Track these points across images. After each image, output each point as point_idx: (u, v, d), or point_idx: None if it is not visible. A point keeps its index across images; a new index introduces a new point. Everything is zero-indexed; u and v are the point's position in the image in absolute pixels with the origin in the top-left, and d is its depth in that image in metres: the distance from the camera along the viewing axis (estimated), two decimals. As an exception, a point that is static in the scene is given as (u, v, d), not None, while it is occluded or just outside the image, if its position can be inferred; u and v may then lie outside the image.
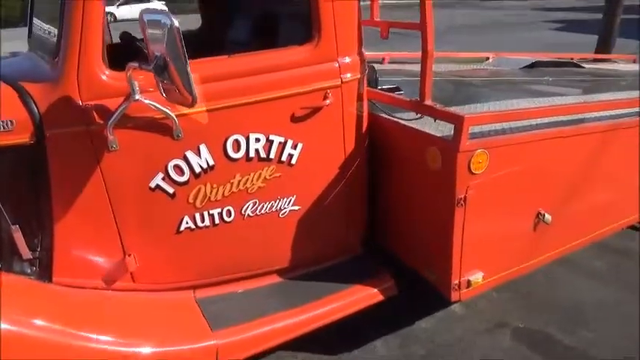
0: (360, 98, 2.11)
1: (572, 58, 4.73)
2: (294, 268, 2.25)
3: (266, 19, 2.44)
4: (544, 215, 2.28)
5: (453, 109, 2.03)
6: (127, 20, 24.13)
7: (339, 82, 2.00)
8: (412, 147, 2.12)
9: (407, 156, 2.17)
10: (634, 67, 5.03)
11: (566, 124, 2.29)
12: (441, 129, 2.08)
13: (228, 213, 1.99)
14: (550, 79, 3.61)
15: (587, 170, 2.42)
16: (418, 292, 2.38)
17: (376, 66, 2.85)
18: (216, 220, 1.98)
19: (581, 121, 2.37)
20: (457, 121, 1.90)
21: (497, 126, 2.17)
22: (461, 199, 1.98)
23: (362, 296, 2.18)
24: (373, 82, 2.57)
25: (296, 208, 2.12)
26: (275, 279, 2.23)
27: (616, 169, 2.57)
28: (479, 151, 1.95)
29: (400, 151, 2.21)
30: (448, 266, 2.11)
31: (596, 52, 8.71)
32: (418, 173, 2.13)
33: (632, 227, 3.09)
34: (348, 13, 1.98)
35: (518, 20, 19.05)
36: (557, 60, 4.58)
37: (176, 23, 1.41)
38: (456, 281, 2.14)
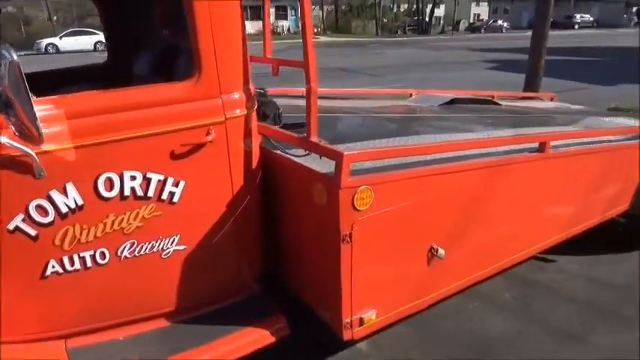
0: (248, 134, 2.07)
1: (492, 96, 4.94)
2: (183, 311, 2.14)
3: (162, 53, 2.40)
4: (437, 250, 2.29)
5: (336, 145, 2.02)
6: (71, 52, 23.68)
7: (223, 119, 1.96)
8: (301, 183, 2.10)
9: (297, 192, 2.15)
10: (549, 104, 5.32)
11: (458, 160, 2.34)
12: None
13: (102, 255, 1.88)
14: (462, 115, 3.75)
15: (482, 204, 2.47)
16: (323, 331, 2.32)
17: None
18: (89, 263, 1.86)
19: (476, 156, 2.43)
20: (337, 157, 1.90)
21: (392, 161, 2.19)
22: (346, 235, 1.96)
23: (252, 339, 2.09)
24: (276, 118, 2.56)
25: (181, 247, 2.03)
26: (163, 323, 2.12)
27: (514, 202, 2.63)
28: (362, 187, 1.95)
29: (292, 188, 2.18)
30: (338, 304, 2.07)
31: (524, 90, 9.22)
32: (307, 210, 2.10)
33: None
34: (231, 49, 1.96)
35: (460, 59, 19.95)
36: (475, 97, 4.77)
37: (15, 58, 1.34)
38: (348, 320, 2.10)
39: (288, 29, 44.42)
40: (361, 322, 2.14)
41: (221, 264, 2.16)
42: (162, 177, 1.89)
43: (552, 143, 2.76)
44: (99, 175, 1.79)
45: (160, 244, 1.97)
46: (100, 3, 2.94)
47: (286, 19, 44.39)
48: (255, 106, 2.13)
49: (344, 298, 2.05)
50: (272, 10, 43.36)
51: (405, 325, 2.83)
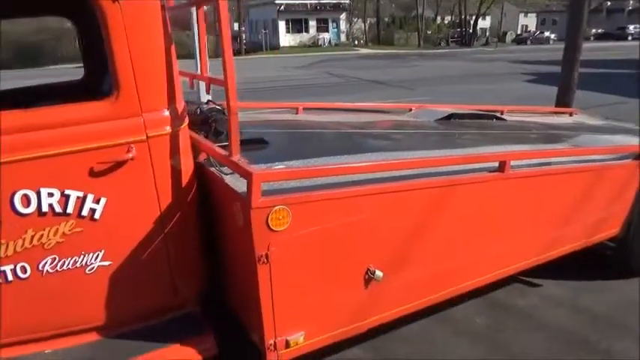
0: (175, 152, 2.09)
1: (502, 111, 4.79)
2: (114, 326, 2.16)
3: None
4: (374, 272, 2.22)
5: (252, 166, 1.97)
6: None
7: (144, 137, 1.99)
8: (226, 202, 2.09)
9: (225, 211, 2.14)
10: (565, 120, 5.09)
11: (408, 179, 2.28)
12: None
13: (23, 269, 1.92)
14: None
15: (429, 226, 2.38)
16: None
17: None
18: (9, 277, 1.91)
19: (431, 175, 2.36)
20: (248, 177, 1.88)
21: (322, 180, 2.15)
22: (262, 256, 1.94)
23: (175, 357, 2.09)
24: (220, 134, 2.56)
25: (105, 263, 2.05)
26: (92, 337, 2.14)
27: (469, 224, 2.53)
28: (278, 207, 1.92)
29: (221, 206, 2.18)
30: (260, 325, 2.04)
31: (556, 104, 8.87)
32: (231, 229, 2.09)
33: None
34: (153, 67, 1.98)
35: (498, 71, 19.51)
36: (477, 112, 4.62)
37: None
38: (271, 341, 2.06)
39: (329, 41, 44.88)
40: (287, 344, 2.09)
41: (151, 281, 2.17)
42: (81, 194, 1.93)
43: (517, 163, 2.64)
44: (15, 192, 1.84)
45: (83, 259, 2.01)
46: (73, 17, 3.04)
47: (327, 31, 44.83)
48: (185, 124, 2.14)
49: (265, 319, 2.02)
50: (313, 23, 44.04)
51: (361, 349, 2.76)
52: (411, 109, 4.72)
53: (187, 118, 2.18)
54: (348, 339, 2.34)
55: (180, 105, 2.11)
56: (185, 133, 2.14)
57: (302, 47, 41.80)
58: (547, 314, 3.12)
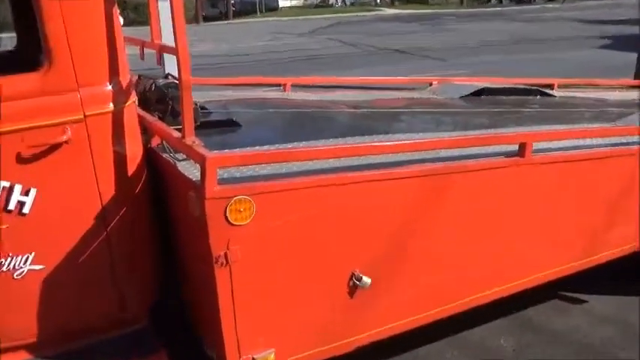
0: (120, 134, 2.28)
1: (552, 86, 4.97)
2: (47, 343, 2.36)
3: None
4: (360, 278, 2.40)
5: (204, 150, 2.14)
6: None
7: (82, 117, 2.19)
8: (179, 193, 2.29)
9: (179, 203, 2.34)
10: (623, 95, 5.25)
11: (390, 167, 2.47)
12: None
13: (-58, 271, 2.14)
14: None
15: (432, 222, 2.56)
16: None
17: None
18: None
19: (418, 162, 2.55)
20: (201, 161, 2.07)
21: (298, 166, 2.35)
22: (221, 256, 2.12)
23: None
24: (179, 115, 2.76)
25: (37, 267, 2.25)
26: (21, 356, 2.35)
27: (484, 220, 2.71)
28: (238, 197, 2.11)
29: (175, 198, 2.38)
30: (220, 341, 2.22)
31: (635, 76, 8.95)
32: (186, 225, 2.29)
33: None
34: (91, 32, 2.17)
35: (562, 35, 19.56)
36: (512, 87, 4.81)
37: None
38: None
39: (344, 1, 45.10)
40: (254, 364, 2.28)
41: (92, 290, 2.36)
42: (7, 184, 2.13)
43: (544, 146, 2.82)
44: None
45: (10, 262, 2.21)
46: None
47: (342, -14, 45.09)
48: (131, 101, 2.35)
49: (226, 334, 2.21)
50: (325, -19, 44.37)
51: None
52: (431, 84, 4.93)
53: (135, 94, 2.38)
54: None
55: (126, 78, 2.31)
56: (132, 112, 2.34)
57: (307, 8, 42.07)
58: (590, 335, 3.28)
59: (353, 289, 2.42)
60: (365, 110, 3.85)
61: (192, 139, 2.21)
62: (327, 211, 2.31)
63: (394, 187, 2.44)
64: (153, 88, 2.86)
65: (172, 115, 2.73)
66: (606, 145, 3.06)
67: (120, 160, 2.30)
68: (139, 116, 2.46)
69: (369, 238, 2.44)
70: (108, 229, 2.32)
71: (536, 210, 2.85)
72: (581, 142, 3.05)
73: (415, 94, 4.73)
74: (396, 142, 2.70)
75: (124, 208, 2.34)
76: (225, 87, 4.58)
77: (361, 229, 2.40)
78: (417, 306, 2.64)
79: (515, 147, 2.73)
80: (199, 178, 2.12)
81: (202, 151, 2.11)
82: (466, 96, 4.48)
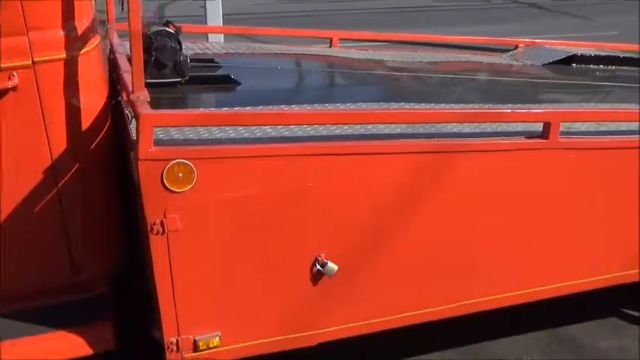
0: (74, 85, 2.20)
1: None
2: (5, 301, 2.35)
3: None
4: (325, 264, 2.21)
5: (144, 107, 2.01)
6: None
7: (30, 63, 2.11)
8: (128, 152, 2.19)
9: (130, 164, 2.23)
10: None
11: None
12: None
13: None
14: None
15: (419, 207, 2.33)
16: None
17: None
18: None
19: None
20: (137, 119, 1.95)
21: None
22: (157, 224, 2.01)
23: (60, 346, 2.24)
24: (178, 68, 2.66)
25: (-19, 223, 2.23)
26: None
27: (491, 210, 2.44)
28: (176, 161, 1.97)
29: (127, 158, 2.28)
30: (158, 316, 2.12)
31: None
32: (133, 188, 2.18)
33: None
34: None
35: None
36: (613, 55, 4.32)
37: None
38: (173, 339, 2.15)
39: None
40: (195, 345, 2.16)
41: (42, 248, 2.32)
42: None
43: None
44: None
45: None
46: None
47: None
48: (90, 48, 2.25)
49: (163, 309, 2.11)
50: None
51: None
52: (516, 47, 4.56)
53: (96, 39, 2.28)
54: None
55: (84, 22, 2.22)
56: (90, 60, 2.25)
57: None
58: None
59: (317, 275, 2.24)
60: (409, 74, 3.60)
61: (138, 95, 2.08)
62: (289, 185, 2.14)
63: (377, 163, 2.24)
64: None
65: (156, 67, 2.65)
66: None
67: (73, 113, 2.23)
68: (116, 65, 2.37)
69: (341, 220, 2.25)
70: (59, 186, 2.25)
71: (560, 204, 2.52)
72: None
73: (495, 59, 4.38)
74: (376, 111, 2.46)
75: (77, 165, 2.26)
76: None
77: (331, 209, 2.21)
78: (398, 303, 2.41)
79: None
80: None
81: (141, 108, 1.98)
82: (551, 63, 4.08)
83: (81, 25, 2.21)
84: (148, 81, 2.56)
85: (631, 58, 4.26)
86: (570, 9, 14.14)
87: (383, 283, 2.35)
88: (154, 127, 1.97)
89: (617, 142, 2.54)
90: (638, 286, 2.87)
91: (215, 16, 7.23)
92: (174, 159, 1.97)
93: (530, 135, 2.41)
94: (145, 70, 2.52)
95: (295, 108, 2.41)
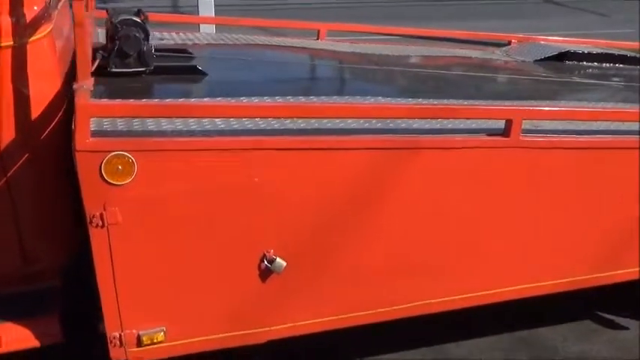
0: (21, 72, 2.17)
1: None
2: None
3: None
4: (273, 260, 2.19)
5: (83, 96, 2.00)
6: None
7: (-28, 48, 2.10)
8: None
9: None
10: None
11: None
12: None
13: None
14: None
15: (371, 204, 2.30)
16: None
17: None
18: None
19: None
20: (75, 108, 1.93)
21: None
22: (96, 216, 1.99)
23: (8, 337, 2.24)
24: (142, 58, 2.64)
25: None
26: None
27: (447, 209, 2.40)
28: (115, 153, 1.95)
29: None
30: (101, 311, 2.11)
31: None
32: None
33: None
34: None
35: None
36: (608, 52, 4.24)
37: None
38: (116, 333, 2.14)
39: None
40: (139, 340, 2.15)
41: None
42: None
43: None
44: None
45: None
46: None
47: None
48: (41, 36, 2.22)
49: (105, 303, 2.11)
50: None
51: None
52: (509, 43, 4.51)
53: (48, 27, 2.26)
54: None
55: (34, 9, 2.19)
56: (40, 48, 2.22)
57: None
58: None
59: (265, 272, 2.21)
60: (388, 67, 3.56)
61: (82, 84, 2.06)
62: (234, 181, 2.11)
63: (326, 159, 2.20)
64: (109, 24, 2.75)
65: (119, 56, 2.62)
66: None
67: (22, 102, 2.20)
68: None
69: (290, 216, 2.23)
70: (7, 176, 2.24)
71: (522, 204, 2.46)
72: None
73: (486, 55, 4.33)
74: (323, 105, 2.40)
75: (27, 155, 2.25)
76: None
77: (279, 205, 2.19)
78: (351, 302, 2.39)
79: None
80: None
81: (79, 97, 1.96)
82: (543, 60, 4.01)
83: (30, 12, 2.18)
84: (112, 70, 2.62)
85: (625, 56, 4.19)
86: (587, 5, 13.82)
87: (335, 281, 2.33)
88: (93, 118, 1.95)
89: (583, 142, 2.47)
90: (613, 289, 2.84)
91: (207, 6, 7.21)
92: (113, 151, 1.95)
93: (492, 132, 2.36)
94: (108, 59, 2.57)
95: (243, 100, 2.36)
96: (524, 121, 2.35)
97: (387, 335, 2.80)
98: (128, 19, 2.73)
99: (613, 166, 2.53)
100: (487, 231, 2.48)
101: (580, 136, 2.48)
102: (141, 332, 2.15)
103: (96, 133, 1.97)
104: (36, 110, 2.23)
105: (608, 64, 4.04)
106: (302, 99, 2.48)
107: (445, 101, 2.59)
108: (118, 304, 2.10)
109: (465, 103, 2.59)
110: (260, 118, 2.23)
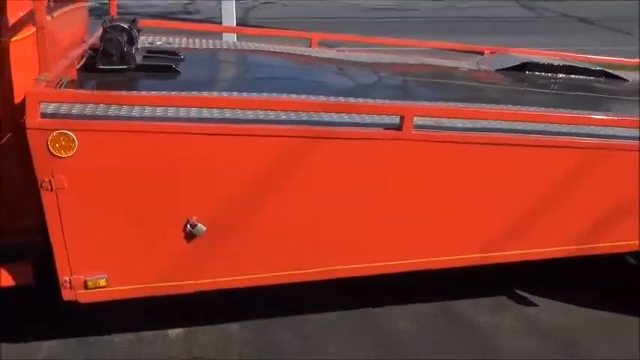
0: (4, 69, 2.64)
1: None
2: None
3: None
4: (195, 225, 2.63)
5: (36, 85, 2.42)
6: None
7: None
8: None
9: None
10: None
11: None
12: None
13: None
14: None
15: (279, 181, 2.69)
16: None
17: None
18: None
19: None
20: (26, 95, 2.41)
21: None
22: (46, 182, 2.46)
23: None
24: (124, 57, 3.14)
25: None
26: None
27: (345, 188, 2.77)
28: (59, 132, 2.42)
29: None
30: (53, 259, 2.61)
31: None
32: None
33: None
34: None
35: None
36: (570, 65, 4.49)
37: None
38: (66, 278, 2.62)
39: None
40: (85, 284, 2.64)
41: None
42: None
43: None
44: None
45: None
46: None
47: None
48: (23, 36, 2.64)
49: (57, 253, 2.58)
50: None
51: (240, 327, 3.25)
52: (483, 53, 4.81)
53: (31, 29, 2.71)
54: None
55: (18, 13, 2.65)
56: (22, 47, 2.66)
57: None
58: (503, 343, 3.20)
59: (189, 235, 2.65)
60: (351, 71, 3.99)
61: (41, 75, 2.54)
62: (162, 159, 2.55)
63: (241, 143, 2.60)
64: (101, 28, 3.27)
65: (104, 55, 3.12)
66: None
67: (7, 91, 2.66)
68: None
69: (210, 189, 2.64)
70: None
71: (414, 191, 2.84)
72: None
73: (455, 63, 4.67)
74: (239, 99, 2.84)
75: (9, 134, 2.74)
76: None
77: (201, 180, 2.61)
78: (266, 264, 2.80)
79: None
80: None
81: (32, 86, 2.45)
82: (504, 69, 4.34)
83: (13, 13, 2.57)
84: (99, 67, 3.14)
85: (587, 69, 4.40)
86: (613, 24, 14.50)
87: (250, 245, 2.74)
88: (43, 102, 2.42)
89: (471, 138, 2.79)
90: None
91: (229, 15, 7.73)
92: (57, 129, 2.43)
93: (388, 126, 2.72)
94: (96, 57, 3.08)
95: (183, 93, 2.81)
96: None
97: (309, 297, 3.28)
98: (116, 25, 3.25)
99: (491, 160, 2.88)
100: (384, 209, 2.84)
101: (470, 132, 2.82)
102: (87, 278, 2.61)
103: (46, 115, 2.45)
104: (18, 97, 2.73)
105: (566, 75, 4.30)
106: (225, 94, 2.95)
107: (361, 100, 2.99)
108: (67, 254, 2.56)
109: (370, 100, 2.98)
110: (183, 108, 2.67)
